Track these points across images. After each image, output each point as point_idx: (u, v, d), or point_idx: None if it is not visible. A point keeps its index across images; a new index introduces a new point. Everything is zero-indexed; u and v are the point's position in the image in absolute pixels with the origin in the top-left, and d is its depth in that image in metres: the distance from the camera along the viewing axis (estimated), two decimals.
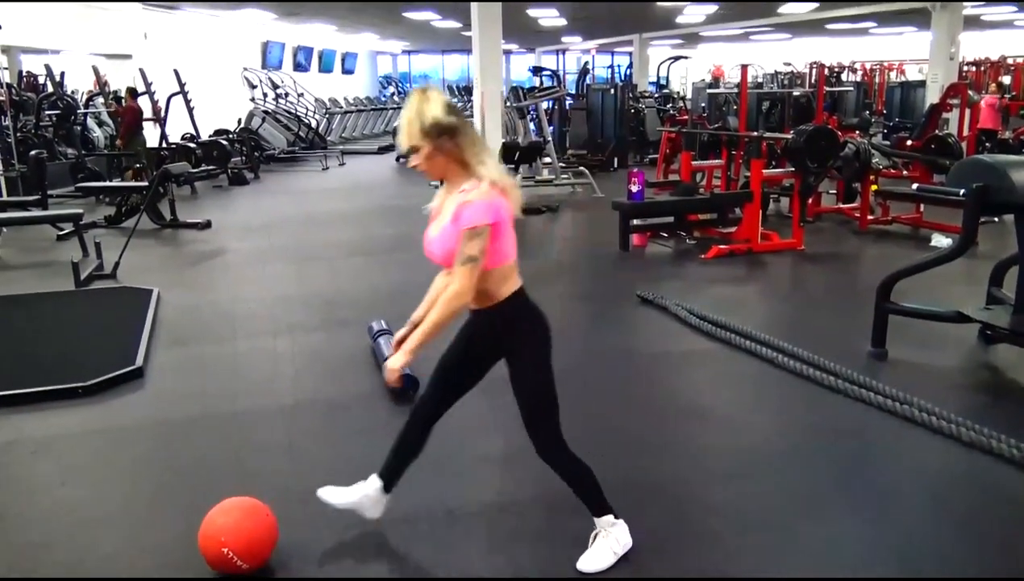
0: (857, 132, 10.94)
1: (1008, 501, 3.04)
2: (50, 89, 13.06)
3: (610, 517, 2.59)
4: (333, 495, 2.74)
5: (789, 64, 22.47)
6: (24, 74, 14.50)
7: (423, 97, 2.31)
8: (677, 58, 23.02)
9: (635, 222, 7.62)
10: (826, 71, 16.10)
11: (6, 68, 10.20)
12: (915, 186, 6.30)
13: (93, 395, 4.09)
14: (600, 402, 4.02)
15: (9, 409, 3.95)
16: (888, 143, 11.00)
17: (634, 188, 7.41)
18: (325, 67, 23.62)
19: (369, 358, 4.58)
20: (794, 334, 4.79)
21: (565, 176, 11.66)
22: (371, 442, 3.56)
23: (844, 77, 22.39)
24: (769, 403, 4.09)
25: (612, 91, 14.44)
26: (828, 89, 15.00)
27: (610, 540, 2.59)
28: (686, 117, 12.79)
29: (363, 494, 2.71)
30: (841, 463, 3.35)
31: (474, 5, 10.67)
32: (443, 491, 3.09)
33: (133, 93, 12.14)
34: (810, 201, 8.02)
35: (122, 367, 4.34)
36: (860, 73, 23.48)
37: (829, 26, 20.74)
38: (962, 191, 4.16)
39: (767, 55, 24.79)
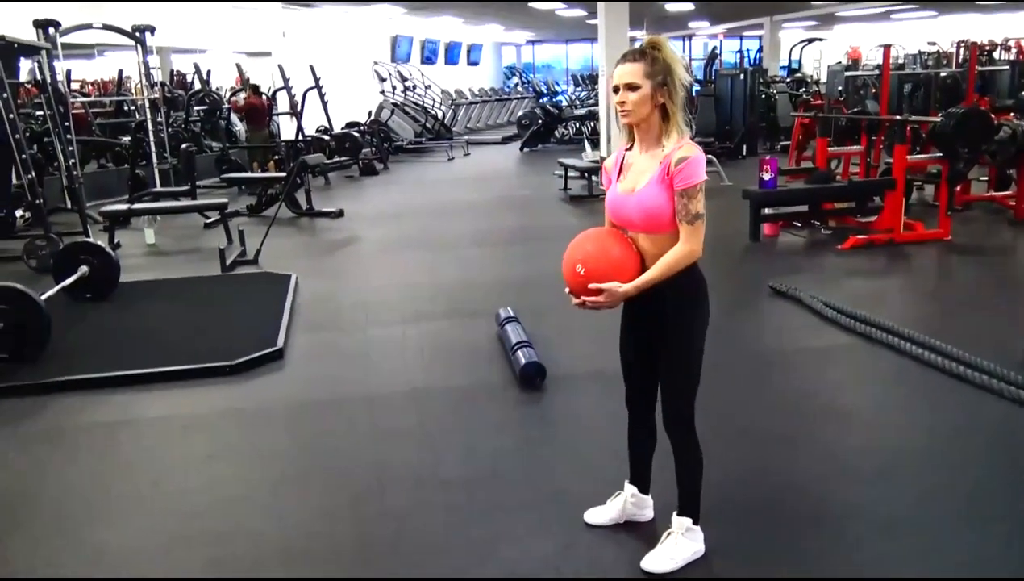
0: (1013, 114, 10.16)
1: None
2: (198, 86, 13.89)
3: (689, 521, 2.50)
4: (597, 515, 2.75)
5: (934, 43, 21.09)
6: (174, 73, 15.46)
7: (667, 46, 2.29)
8: (811, 40, 22.06)
9: (766, 211, 7.38)
10: (977, 50, 15.03)
11: (159, 68, 10.89)
12: None
13: (239, 374, 4.33)
14: (732, 397, 3.91)
15: (165, 385, 4.24)
16: None
17: (766, 176, 7.17)
18: (451, 59, 24.06)
19: (496, 347, 4.62)
20: (942, 330, 4.50)
21: None
22: (499, 431, 3.62)
23: (996, 56, 20.82)
24: (914, 402, 3.86)
25: (741, 76, 13.99)
26: (979, 69, 14.02)
27: (682, 545, 2.49)
28: (821, 101, 12.25)
29: (624, 504, 2.72)
30: (994, 466, 3.13)
31: None
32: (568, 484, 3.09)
33: (255, 90, 12.80)
34: (958, 189, 7.52)
35: (264, 348, 4.57)
36: (1015, 51, 21.77)
37: (980, 1, 19.36)
38: None
39: (909, 35, 23.36)
